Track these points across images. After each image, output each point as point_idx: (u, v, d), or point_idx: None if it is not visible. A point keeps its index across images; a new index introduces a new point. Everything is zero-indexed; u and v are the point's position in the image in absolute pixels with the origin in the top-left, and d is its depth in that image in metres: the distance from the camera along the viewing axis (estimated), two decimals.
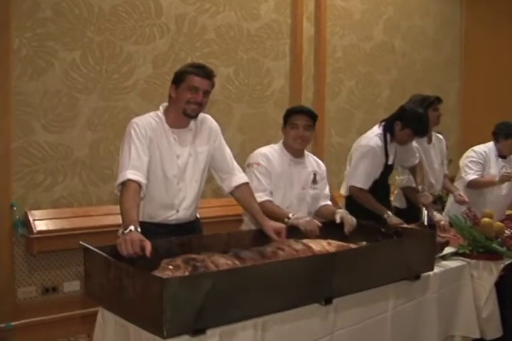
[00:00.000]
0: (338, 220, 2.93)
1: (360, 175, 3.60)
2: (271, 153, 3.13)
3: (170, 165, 2.65)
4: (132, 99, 4.08)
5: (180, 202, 2.71)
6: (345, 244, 2.60)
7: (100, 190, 3.97)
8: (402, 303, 2.62)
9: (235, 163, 2.86)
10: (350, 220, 2.92)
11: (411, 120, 3.54)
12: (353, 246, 2.60)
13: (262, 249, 2.35)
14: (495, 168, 4.42)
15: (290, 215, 2.88)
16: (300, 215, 2.92)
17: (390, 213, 3.48)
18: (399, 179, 4.13)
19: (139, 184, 2.48)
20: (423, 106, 3.88)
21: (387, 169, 3.73)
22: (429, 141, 4.16)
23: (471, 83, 6.58)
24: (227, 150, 2.85)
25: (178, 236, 2.46)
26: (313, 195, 3.22)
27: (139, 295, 1.84)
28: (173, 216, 2.71)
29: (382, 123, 3.71)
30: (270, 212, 2.90)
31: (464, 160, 4.44)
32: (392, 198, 4.23)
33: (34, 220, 3.63)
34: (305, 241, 2.51)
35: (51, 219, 3.69)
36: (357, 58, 5.53)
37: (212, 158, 2.79)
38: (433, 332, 2.78)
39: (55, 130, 3.80)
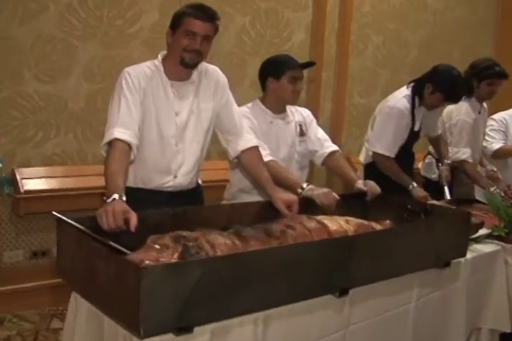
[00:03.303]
0: (363, 188, 2.60)
1: (385, 141, 3.27)
2: (247, 113, 2.74)
3: (167, 123, 2.30)
4: (136, 48, 3.68)
5: (179, 167, 2.36)
6: (365, 222, 2.24)
7: (96, 147, 3.53)
8: (428, 293, 2.28)
9: (244, 124, 2.50)
10: (375, 188, 2.61)
11: (444, 83, 3.20)
12: (374, 224, 2.25)
13: (268, 226, 1.99)
14: None
15: (304, 185, 2.54)
16: (314, 187, 2.57)
17: (415, 184, 3.19)
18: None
19: (128, 144, 2.13)
20: (481, 75, 3.59)
21: (413, 136, 3.40)
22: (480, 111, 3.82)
23: (504, 48, 6.05)
24: (236, 108, 2.48)
25: (172, 208, 2.11)
26: (301, 152, 2.89)
27: (113, 282, 1.51)
28: (169, 182, 2.37)
29: (411, 85, 3.36)
30: (280, 178, 2.55)
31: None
32: (420, 165, 3.89)
33: (22, 179, 3.33)
34: (319, 217, 2.15)
35: (41, 177, 3.39)
36: (385, 14, 5.05)
37: (217, 116, 2.43)
38: (460, 326, 2.45)
39: (48, 80, 3.44)
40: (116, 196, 1.89)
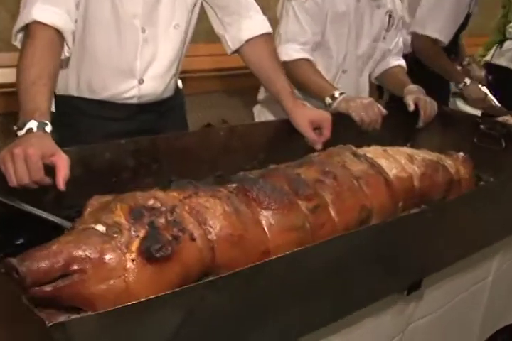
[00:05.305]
0: (411, 107, 1.85)
1: (441, 21, 2.47)
2: None
3: None
4: None
5: (147, 66, 1.51)
6: (434, 157, 1.47)
7: None
8: (507, 260, 1.62)
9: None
10: (430, 108, 1.87)
11: None
12: (444, 159, 1.49)
13: (292, 173, 1.18)
14: None
15: (336, 93, 1.73)
16: (350, 96, 1.76)
17: (468, 81, 2.43)
18: None
19: (58, 31, 1.26)
20: None
21: (466, 21, 2.60)
22: None
23: None
24: None
25: (132, 138, 1.30)
26: (383, 50, 2.07)
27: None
28: (132, 90, 1.52)
29: None
30: (304, 82, 1.80)
31: None
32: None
33: None
34: (370, 152, 1.36)
35: None
36: None
37: None
38: None
39: None
40: (33, 124, 1.09)
